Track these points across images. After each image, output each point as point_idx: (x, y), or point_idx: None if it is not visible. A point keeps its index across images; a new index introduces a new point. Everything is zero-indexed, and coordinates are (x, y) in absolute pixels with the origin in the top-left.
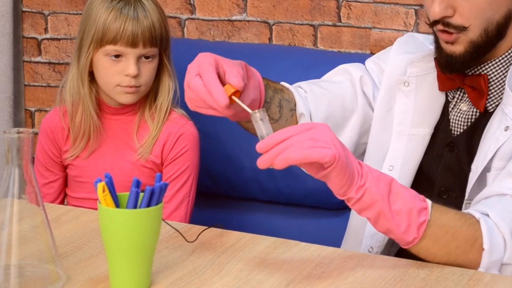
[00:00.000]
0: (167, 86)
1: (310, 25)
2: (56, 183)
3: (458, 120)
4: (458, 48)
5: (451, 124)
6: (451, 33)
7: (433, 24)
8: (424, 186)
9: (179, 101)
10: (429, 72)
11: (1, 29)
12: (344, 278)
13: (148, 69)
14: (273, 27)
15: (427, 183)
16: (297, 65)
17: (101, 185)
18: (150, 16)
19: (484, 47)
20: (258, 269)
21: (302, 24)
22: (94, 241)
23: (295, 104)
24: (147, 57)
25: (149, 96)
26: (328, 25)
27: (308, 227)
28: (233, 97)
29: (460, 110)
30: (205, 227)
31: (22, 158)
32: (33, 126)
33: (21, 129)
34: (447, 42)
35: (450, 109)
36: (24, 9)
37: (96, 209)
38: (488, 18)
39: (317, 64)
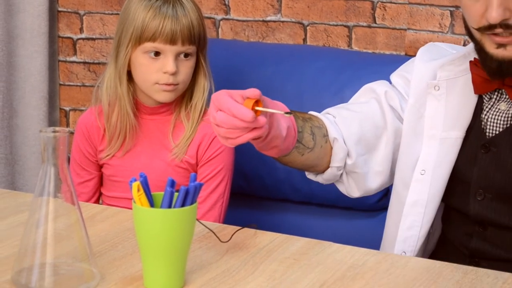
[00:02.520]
0: (203, 85)
1: (345, 26)
2: (91, 182)
3: (496, 120)
4: (511, 52)
5: (483, 125)
6: (506, 36)
7: (487, 28)
8: (459, 189)
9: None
10: (460, 75)
11: (37, 28)
12: (377, 279)
13: (186, 67)
14: (308, 27)
15: (461, 186)
16: (332, 66)
17: (136, 185)
18: (189, 14)
19: None
20: (291, 269)
21: (336, 25)
22: (128, 240)
23: (326, 130)
24: (185, 55)
25: (185, 95)
26: (362, 26)
27: (341, 228)
28: (257, 108)
29: (499, 109)
30: (239, 227)
31: (58, 157)
32: (67, 125)
33: (57, 128)
34: (499, 47)
35: (485, 110)
36: (59, 9)
37: (130, 208)
38: None
39: (351, 65)
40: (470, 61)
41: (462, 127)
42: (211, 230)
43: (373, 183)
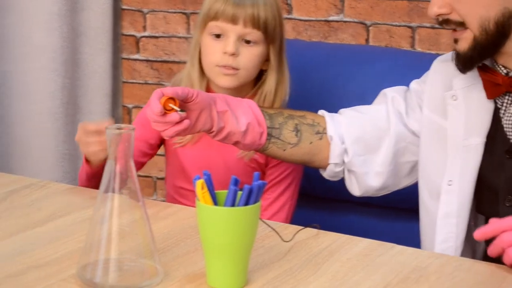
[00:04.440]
0: (272, 84)
1: (408, 26)
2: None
3: None
4: (462, 45)
5: (505, 130)
6: (455, 30)
7: (440, 24)
8: (487, 196)
9: (286, 102)
10: (475, 82)
11: (101, 26)
12: (441, 283)
13: (248, 52)
14: (370, 28)
15: (489, 193)
16: (394, 67)
17: (200, 182)
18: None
19: (487, 45)
20: (354, 270)
21: (399, 26)
22: (191, 237)
23: (324, 128)
24: (248, 42)
25: (257, 93)
26: (426, 27)
27: (403, 230)
28: (170, 105)
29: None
30: (301, 227)
31: (123, 154)
32: (130, 122)
33: (122, 125)
34: (454, 41)
35: (501, 115)
36: (123, 7)
37: (193, 202)
38: (482, 16)
39: (414, 66)
40: (478, 67)
41: (481, 133)
42: (273, 229)
43: (374, 183)
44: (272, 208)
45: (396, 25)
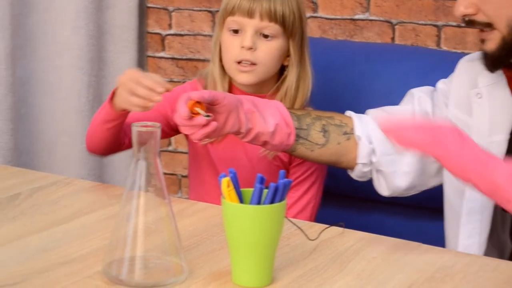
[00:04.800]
0: (292, 80)
1: (434, 25)
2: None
3: None
4: (489, 46)
5: None
6: (482, 31)
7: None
8: None
9: (309, 100)
10: (499, 80)
11: (127, 24)
12: (467, 282)
13: (266, 47)
14: (396, 26)
15: None
16: (420, 66)
17: (225, 180)
18: None
19: None
20: (379, 269)
21: (425, 24)
22: (216, 235)
23: (352, 128)
24: (266, 36)
25: (279, 90)
26: (452, 25)
27: (429, 229)
28: (196, 109)
29: None
30: (327, 226)
31: (149, 151)
32: None
33: (148, 123)
34: (481, 41)
35: None
36: (148, 5)
37: (215, 198)
38: (509, 16)
39: (440, 65)
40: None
41: (504, 129)
42: (299, 228)
43: (401, 183)
44: (296, 207)
45: (422, 24)
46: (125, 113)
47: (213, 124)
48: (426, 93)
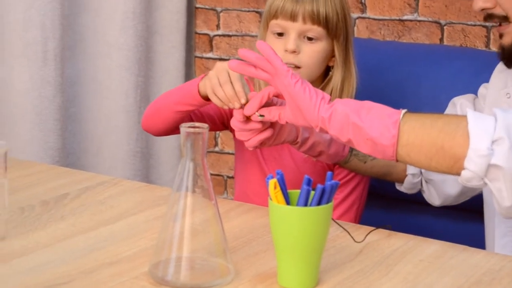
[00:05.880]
0: (337, 81)
1: (483, 26)
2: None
3: None
4: (506, 40)
5: None
6: (500, 25)
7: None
8: None
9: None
10: None
11: (175, 25)
12: None
13: (310, 49)
14: (445, 27)
15: None
16: (469, 67)
17: (272, 182)
18: None
19: None
20: (426, 272)
21: (474, 25)
22: (262, 237)
23: None
24: (309, 38)
25: (324, 91)
26: None
27: (476, 232)
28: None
29: None
30: (373, 228)
31: (197, 152)
32: None
33: (196, 124)
34: (500, 36)
35: None
36: (197, 6)
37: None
38: None
39: (489, 66)
40: None
41: None
42: (345, 230)
43: (452, 190)
44: (340, 208)
45: (471, 25)
46: (207, 103)
47: (269, 131)
48: (468, 100)
